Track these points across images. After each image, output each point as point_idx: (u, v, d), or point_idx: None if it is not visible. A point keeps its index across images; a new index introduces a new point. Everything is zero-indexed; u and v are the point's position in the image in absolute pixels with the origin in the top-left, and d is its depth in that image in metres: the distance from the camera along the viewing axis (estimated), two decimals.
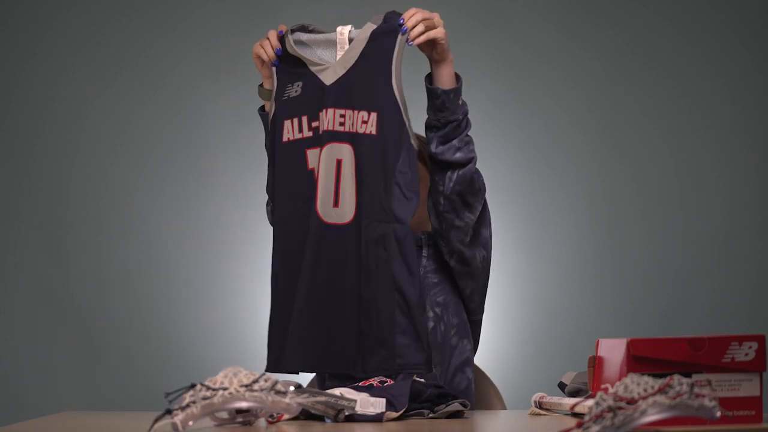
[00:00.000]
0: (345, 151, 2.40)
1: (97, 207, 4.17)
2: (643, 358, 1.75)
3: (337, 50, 2.45)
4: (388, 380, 2.28)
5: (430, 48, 2.43)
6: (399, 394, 2.12)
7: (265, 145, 2.57)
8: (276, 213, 2.48)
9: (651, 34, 4.23)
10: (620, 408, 1.56)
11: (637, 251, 4.18)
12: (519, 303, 4.17)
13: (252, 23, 4.21)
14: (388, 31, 2.39)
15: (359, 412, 2.06)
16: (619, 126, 4.23)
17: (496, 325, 4.10)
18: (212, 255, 4.17)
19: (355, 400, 2.07)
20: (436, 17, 2.41)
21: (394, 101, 2.37)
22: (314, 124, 2.44)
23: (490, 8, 4.25)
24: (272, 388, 1.78)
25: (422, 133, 2.55)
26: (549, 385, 3.82)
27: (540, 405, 2.21)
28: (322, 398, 2.02)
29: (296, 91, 2.46)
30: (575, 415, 2.07)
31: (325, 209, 2.41)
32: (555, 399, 2.16)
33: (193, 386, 1.79)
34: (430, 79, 2.47)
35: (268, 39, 2.49)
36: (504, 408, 2.79)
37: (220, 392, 1.77)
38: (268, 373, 1.80)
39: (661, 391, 1.56)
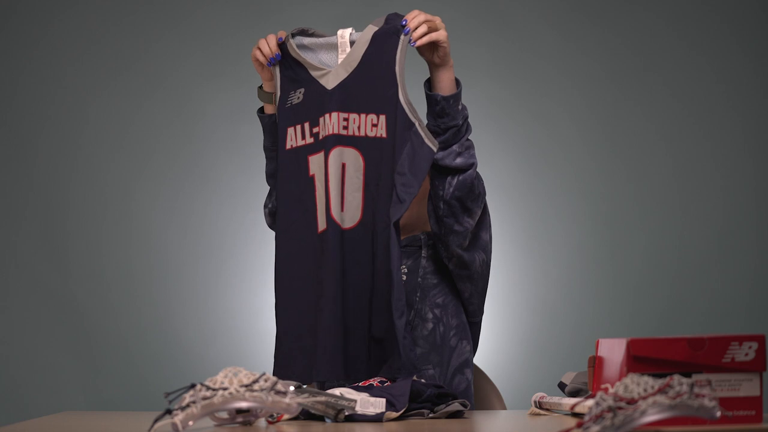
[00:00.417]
0: (350, 155, 2.39)
1: (97, 207, 4.18)
2: (643, 358, 1.75)
3: (338, 53, 2.43)
4: (388, 380, 2.28)
5: (432, 51, 2.41)
6: (399, 394, 2.12)
7: (264, 147, 2.57)
8: (279, 220, 2.47)
9: (650, 35, 4.23)
10: (620, 408, 1.56)
11: (636, 251, 4.18)
12: (519, 303, 4.17)
13: (252, 24, 4.21)
14: (390, 32, 2.38)
15: (359, 412, 2.06)
16: (619, 126, 4.23)
17: (496, 325, 4.10)
18: (212, 255, 4.17)
19: (355, 400, 2.08)
20: (438, 20, 2.40)
21: (400, 102, 2.36)
22: (315, 130, 2.43)
23: (490, 9, 4.25)
24: (272, 388, 1.79)
25: None
26: (549, 385, 3.83)
27: (540, 405, 2.21)
28: (322, 398, 2.02)
29: (298, 98, 2.45)
30: (575, 415, 2.07)
31: (337, 214, 2.40)
32: (555, 399, 2.16)
33: (193, 386, 1.79)
34: (428, 84, 2.46)
35: (266, 41, 2.48)
36: (504, 408, 2.79)
37: (220, 392, 1.77)
38: (268, 373, 1.80)
39: (661, 391, 1.56)
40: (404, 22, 2.38)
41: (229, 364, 4.08)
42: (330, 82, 2.42)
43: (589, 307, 4.17)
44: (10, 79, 4.21)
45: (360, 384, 2.23)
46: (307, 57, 2.44)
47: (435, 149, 2.35)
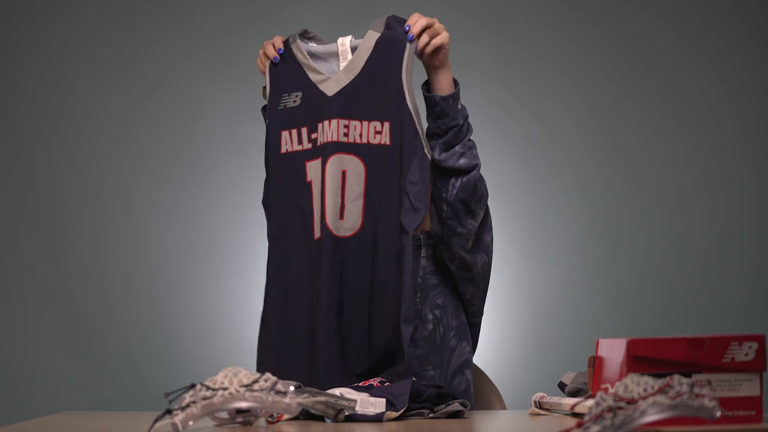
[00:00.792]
0: (350, 163, 2.38)
1: (97, 207, 4.18)
2: (643, 358, 1.75)
3: (339, 61, 2.42)
4: (388, 380, 2.28)
5: (432, 55, 2.42)
6: (399, 394, 2.12)
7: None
8: (271, 226, 2.45)
9: (650, 35, 4.23)
10: (620, 408, 1.56)
11: (636, 251, 4.18)
12: (519, 303, 4.17)
13: (252, 24, 4.21)
14: (394, 39, 2.37)
15: (359, 412, 2.06)
16: (619, 126, 4.23)
17: (496, 325, 4.10)
18: (212, 255, 4.17)
19: (355, 400, 2.08)
20: (437, 22, 2.40)
21: (408, 110, 2.35)
22: (313, 136, 2.41)
23: (490, 9, 4.25)
24: (272, 388, 1.79)
25: None
26: (549, 385, 3.84)
27: (540, 405, 2.21)
28: (322, 398, 2.02)
29: (294, 101, 2.43)
30: (575, 415, 2.07)
31: (334, 223, 2.39)
32: (555, 399, 2.16)
33: (193, 386, 1.79)
34: (426, 86, 2.46)
35: (272, 43, 2.48)
36: (504, 408, 2.79)
37: (220, 392, 1.77)
38: (268, 373, 1.80)
39: (661, 391, 1.56)
40: (407, 28, 2.37)
41: (229, 364, 4.08)
42: (330, 89, 2.40)
43: (589, 307, 4.17)
44: (10, 79, 4.21)
45: (360, 384, 2.23)
46: (310, 61, 2.43)
47: (430, 158, 2.36)
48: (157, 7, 4.24)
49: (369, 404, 2.08)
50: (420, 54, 2.38)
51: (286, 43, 2.46)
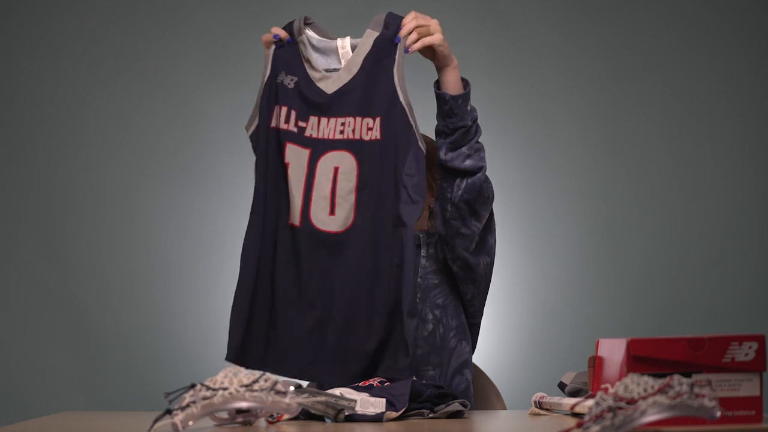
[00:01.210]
0: (343, 159, 2.38)
1: (97, 207, 4.18)
2: (643, 358, 1.75)
3: (340, 61, 2.42)
4: (388, 380, 2.28)
5: (431, 54, 2.42)
6: (399, 394, 2.12)
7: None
8: (256, 197, 2.44)
9: (650, 35, 4.23)
10: (620, 408, 1.56)
11: (636, 251, 4.18)
12: (519, 303, 4.17)
13: (252, 24, 4.21)
14: (389, 38, 2.38)
15: (359, 412, 2.06)
16: (619, 126, 4.23)
17: (496, 325, 4.10)
18: (212, 255, 4.17)
19: (355, 400, 2.08)
20: (434, 24, 2.40)
21: (400, 104, 2.36)
22: (300, 124, 2.41)
23: (490, 9, 4.25)
24: (272, 388, 1.79)
25: (431, 136, 2.54)
26: (549, 385, 3.83)
27: (540, 405, 2.21)
28: (322, 398, 2.02)
29: (289, 83, 2.43)
30: (575, 415, 2.07)
31: (318, 216, 2.39)
32: (555, 399, 2.16)
33: (193, 386, 1.79)
34: (437, 84, 2.46)
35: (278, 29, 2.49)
36: (504, 408, 2.79)
37: (220, 392, 1.77)
38: (268, 373, 1.80)
39: (661, 391, 1.56)
40: (401, 29, 2.38)
41: (229, 364, 4.08)
42: (329, 87, 2.40)
43: (589, 307, 4.17)
44: (10, 79, 4.21)
45: (360, 384, 2.23)
46: (310, 55, 2.43)
47: (424, 151, 2.36)
48: (157, 7, 4.24)
49: (369, 404, 2.08)
50: (406, 50, 2.38)
51: (291, 34, 2.45)
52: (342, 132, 2.39)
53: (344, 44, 2.42)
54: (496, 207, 2.57)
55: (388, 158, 2.36)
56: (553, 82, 4.23)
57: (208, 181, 4.20)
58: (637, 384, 1.58)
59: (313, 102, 2.40)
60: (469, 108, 2.44)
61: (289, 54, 2.45)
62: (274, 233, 2.42)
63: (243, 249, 2.45)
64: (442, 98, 2.42)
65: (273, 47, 2.45)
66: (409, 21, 2.38)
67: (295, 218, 2.40)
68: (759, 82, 4.22)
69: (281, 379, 1.85)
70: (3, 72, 4.21)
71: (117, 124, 4.20)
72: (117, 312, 4.14)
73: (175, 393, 1.81)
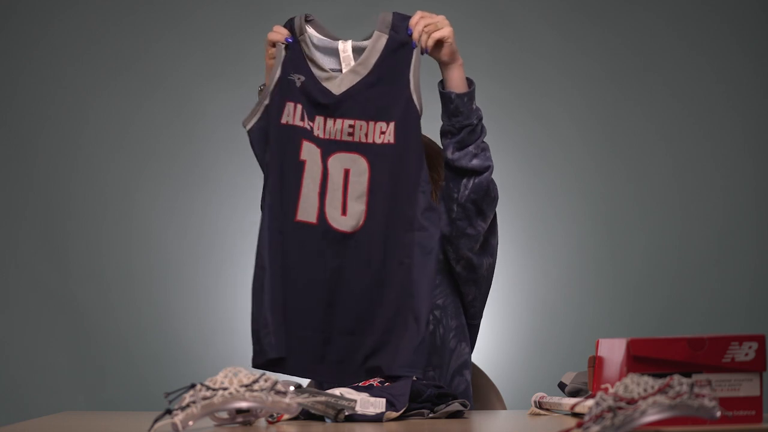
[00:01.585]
0: (354, 161, 2.37)
1: (97, 207, 4.18)
2: (643, 358, 1.75)
3: (340, 62, 2.41)
4: (388, 380, 2.28)
5: (438, 49, 2.41)
6: (399, 394, 2.12)
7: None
8: (266, 197, 2.41)
9: (650, 35, 4.23)
10: (620, 408, 1.56)
11: (636, 251, 4.18)
12: (519, 303, 4.17)
13: (252, 24, 4.21)
14: (402, 41, 2.36)
15: (359, 412, 2.06)
16: (619, 126, 4.23)
17: (496, 325, 4.10)
18: (212, 255, 4.17)
19: (355, 400, 2.07)
20: (441, 19, 2.39)
21: (416, 111, 2.35)
22: (309, 122, 2.41)
23: (490, 9, 4.25)
24: (272, 388, 1.79)
25: (429, 135, 2.53)
26: (549, 385, 3.83)
27: (540, 405, 2.21)
28: (322, 398, 2.02)
29: (297, 82, 2.42)
30: (575, 415, 2.07)
31: (333, 215, 2.38)
32: (555, 399, 2.16)
33: (193, 386, 1.79)
34: (442, 84, 2.45)
35: (276, 31, 2.46)
36: (504, 408, 2.79)
37: (220, 392, 1.77)
38: (268, 373, 1.80)
39: (661, 391, 1.56)
40: (410, 32, 2.36)
41: (229, 364, 4.08)
42: (335, 88, 2.39)
43: (589, 307, 4.17)
44: (10, 79, 4.20)
45: (360, 384, 2.23)
46: (314, 55, 2.42)
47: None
48: (157, 7, 4.24)
49: (369, 404, 2.08)
50: (423, 51, 2.37)
51: (292, 32, 2.44)
52: (351, 134, 2.37)
53: (345, 48, 2.40)
54: (497, 206, 2.57)
55: (402, 162, 2.35)
56: (553, 82, 4.23)
57: (208, 181, 4.20)
58: (637, 384, 1.58)
59: (320, 102, 2.38)
60: (474, 106, 2.44)
61: (293, 53, 2.43)
62: (291, 230, 2.40)
63: (267, 245, 2.42)
64: (447, 97, 2.42)
65: (283, 50, 2.42)
66: (418, 21, 2.36)
67: (312, 215, 2.38)
68: (759, 82, 4.22)
69: (281, 378, 1.85)
70: (3, 72, 4.21)
71: (117, 124, 4.20)
72: (117, 312, 4.14)
73: (175, 393, 1.81)
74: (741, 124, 4.21)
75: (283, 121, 2.40)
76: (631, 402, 1.56)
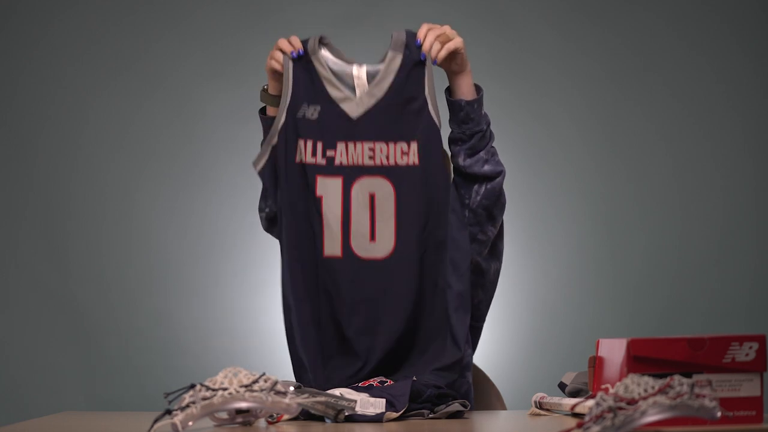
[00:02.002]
0: (379, 185, 2.36)
1: (97, 207, 4.18)
2: (644, 358, 1.75)
3: (354, 88, 2.39)
4: (388, 380, 2.28)
5: (449, 60, 2.40)
6: (399, 394, 2.12)
7: (262, 143, 2.53)
8: (289, 234, 2.41)
9: (650, 35, 4.23)
10: (620, 408, 1.56)
11: (636, 251, 4.18)
12: (519, 303, 4.17)
13: (252, 24, 4.21)
14: (413, 61, 2.35)
15: (359, 413, 2.06)
16: (619, 126, 4.23)
17: (496, 325, 4.10)
18: (212, 255, 4.17)
19: (355, 401, 2.08)
20: (448, 29, 2.39)
21: (436, 128, 2.35)
22: (329, 153, 2.38)
23: (490, 9, 4.24)
24: (272, 388, 1.79)
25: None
26: (549, 385, 3.83)
27: (540, 405, 2.21)
28: (322, 398, 2.02)
29: (312, 114, 2.39)
30: (575, 415, 2.07)
31: (360, 244, 2.38)
32: (555, 399, 2.16)
33: (192, 386, 1.79)
34: (449, 91, 2.45)
35: (288, 40, 2.43)
36: (504, 408, 2.78)
37: (220, 392, 1.77)
38: (268, 373, 1.80)
39: (662, 391, 1.56)
40: (418, 43, 2.35)
41: (229, 364, 4.08)
42: (354, 111, 2.38)
43: (589, 307, 4.17)
44: (10, 79, 4.20)
45: (360, 384, 2.23)
46: (331, 75, 2.39)
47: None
48: (157, 7, 4.24)
49: (369, 404, 2.08)
50: (434, 61, 2.36)
51: (305, 46, 2.41)
52: (372, 158, 2.36)
53: (360, 74, 2.38)
54: None
55: (429, 184, 2.35)
56: (553, 82, 4.23)
57: (208, 181, 4.20)
58: (638, 384, 1.58)
59: (339, 127, 2.37)
60: (483, 112, 2.44)
61: (307, 76, 2.39)
62: (316, 267, 2.39)
63: (290, 285, 2.41)
64: (456, 105, 2.41)
65: (291, 63, 2.39)
66: (425, 33, 2.36)
67: (336, 249, 2.38)
68: (759, 82, 4.22)
69: (281, 378, 1.85)
70: (3, 72, 4.21)
71: (117, 124, 4.20)
72: (117, 312, 4.14)
73: (174, 393, 1.81)
74: (741, 124, 4.21)
75: (297, 160, 2.39)
76: (632, 402, 1.56)
